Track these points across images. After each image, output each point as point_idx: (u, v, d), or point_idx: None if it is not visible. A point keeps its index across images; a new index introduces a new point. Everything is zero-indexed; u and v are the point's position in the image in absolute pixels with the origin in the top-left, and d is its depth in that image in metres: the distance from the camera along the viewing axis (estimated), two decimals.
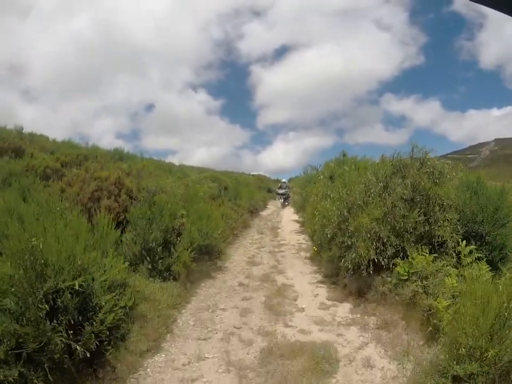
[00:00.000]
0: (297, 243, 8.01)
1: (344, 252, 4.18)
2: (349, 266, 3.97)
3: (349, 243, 4.07)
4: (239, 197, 12.91)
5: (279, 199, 16.23)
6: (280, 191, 16.06)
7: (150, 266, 5.13)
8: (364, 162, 4.83)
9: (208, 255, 5.93)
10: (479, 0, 0.92)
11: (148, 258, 5.14)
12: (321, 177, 5.77)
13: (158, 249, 5.12)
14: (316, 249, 5.75)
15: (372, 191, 4.23)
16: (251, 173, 31.83)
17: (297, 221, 11.30)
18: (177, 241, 5.18)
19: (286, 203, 15.57)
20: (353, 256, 3.90)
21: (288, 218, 12.61)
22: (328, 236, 4.51)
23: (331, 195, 4.71)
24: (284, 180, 17.06)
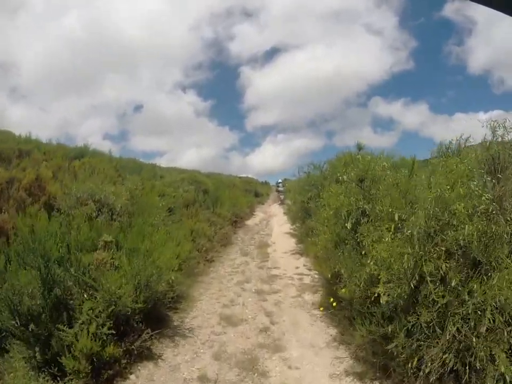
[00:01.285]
0: (297, 274, 5.66)
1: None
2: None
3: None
4: (220, 203, 10.52)
5: (279, 196, 18.56)
6: (280, 189, 18.30)
7: (29, 352, 2.74)
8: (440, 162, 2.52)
9: (153, 313, 3.48)
10: (479, 0, 0.95)
11: (23, 334, 2.73)
12: (344, 179, 3.42)
13: (43, 317, 2.70)
14: (334, 305, 3.41)
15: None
16: (238, 175, 30.21)
17: (292, 234, 8.98)
18: (81, 303, 2.72)
19: (282, 197, 17.03)
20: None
21: (280, 229, 10.27)
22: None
23: (402, 216, 2.31)
24: (280, 180, 18.97)
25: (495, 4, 0.92)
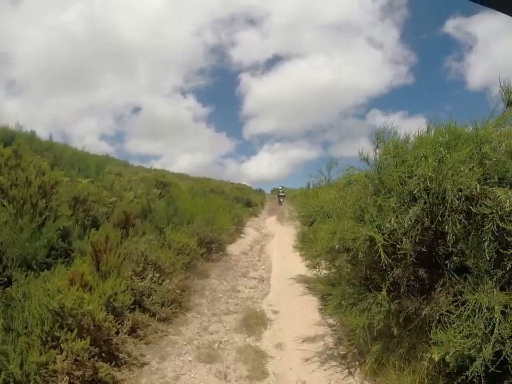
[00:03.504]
0: None
1: None
2: None
3: None
4: (185, 217, 6.25)
5: (279, 199, 20.95)
6: (281, 194, 21.09)
7: None
8: None
9: None
10: (480, 1, 0.97)
11: None
12: None
13: None
14: None
15: None
16: (230, 181, 26.72)
17: (307, 280, 4.69)
18: None
19: (282, 200, 20.31)
20: None
21: (285, 265, 5.96)
22: None
23: None
24: (280, 188, 22.08)
25: (495, 4, 0.92)
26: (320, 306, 3.95)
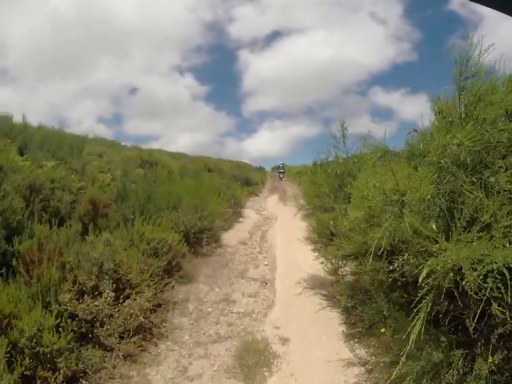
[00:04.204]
0: None
1: None
2: None
3: None
4: (170, 204, 5.11)
5: (279, 175, 21.98)
6: (281, 170, 22.14)
7: None
8: None
9: None
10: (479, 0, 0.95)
11: None
12: None
13: None
14: None
15: None
16: (230, 159, 25.70)
17: (324, 289, 3.60)
18: None
19: (282, 176, 21.53)
20: None
21: (293, 259, 4.87)
22: None
23: None
24: (281, 163, 23.02)
25: (495, 3, 0.90)
26: (345, 328, 2.84)
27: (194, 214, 5.15)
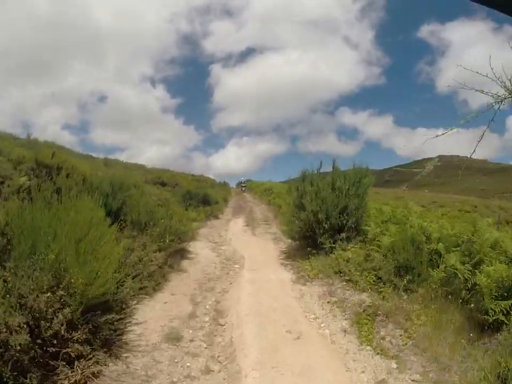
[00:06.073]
0: None
1: None
2: None
3: None
4: None
5: (241, 190, 25.18)
6: (243, 185, 26.22)
7: None
8: None
9: None
10: (479, 0, 0.94)
11: None
12: None
13: None
14: None
15: None
16: (191, 173, 22.76)
17: None
18: None
19: (244, 189, 24.91)
20: None
21: None
22: None
23: None
24: (243, 179, 27.54)
25: (495, 3, 0.92)
26: None
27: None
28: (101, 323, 2.57)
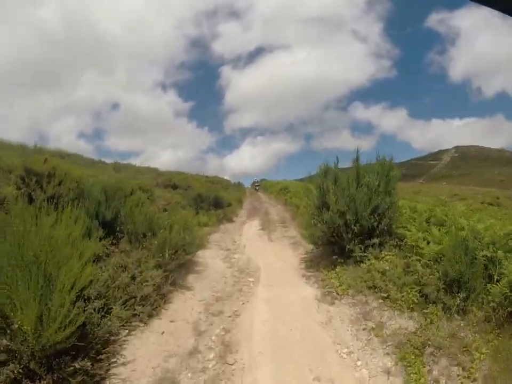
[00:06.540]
0: None
1: None
2: None
3: None
4: None
5: (255, 189, 26.20)
6: (257, 184, 27.12)
7: None
8: None
9: None
10: (479, 0, 0.93)
11: None
12: None
13: None
14: None
15: None
16: (206, 175, 22.81)
17: None
18: None
19: (257, 188, 26.07)
20: None
21: None
22: None
23: None
24: (257, 179, 28.65)
25: (495, 3, 0.91)
26: None
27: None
28: (69, 372, 1.97)
